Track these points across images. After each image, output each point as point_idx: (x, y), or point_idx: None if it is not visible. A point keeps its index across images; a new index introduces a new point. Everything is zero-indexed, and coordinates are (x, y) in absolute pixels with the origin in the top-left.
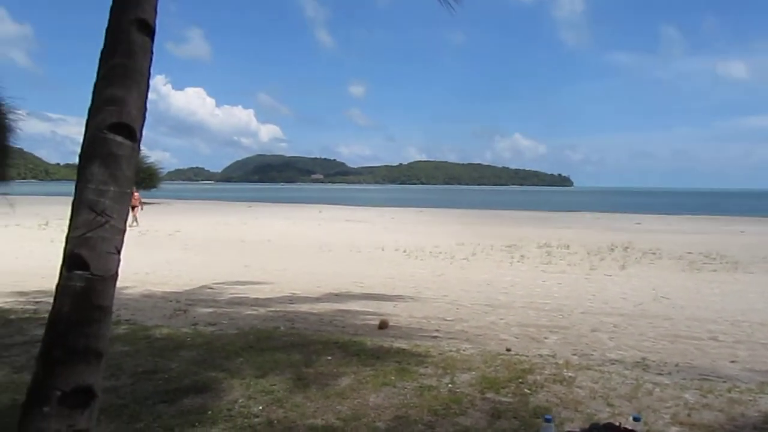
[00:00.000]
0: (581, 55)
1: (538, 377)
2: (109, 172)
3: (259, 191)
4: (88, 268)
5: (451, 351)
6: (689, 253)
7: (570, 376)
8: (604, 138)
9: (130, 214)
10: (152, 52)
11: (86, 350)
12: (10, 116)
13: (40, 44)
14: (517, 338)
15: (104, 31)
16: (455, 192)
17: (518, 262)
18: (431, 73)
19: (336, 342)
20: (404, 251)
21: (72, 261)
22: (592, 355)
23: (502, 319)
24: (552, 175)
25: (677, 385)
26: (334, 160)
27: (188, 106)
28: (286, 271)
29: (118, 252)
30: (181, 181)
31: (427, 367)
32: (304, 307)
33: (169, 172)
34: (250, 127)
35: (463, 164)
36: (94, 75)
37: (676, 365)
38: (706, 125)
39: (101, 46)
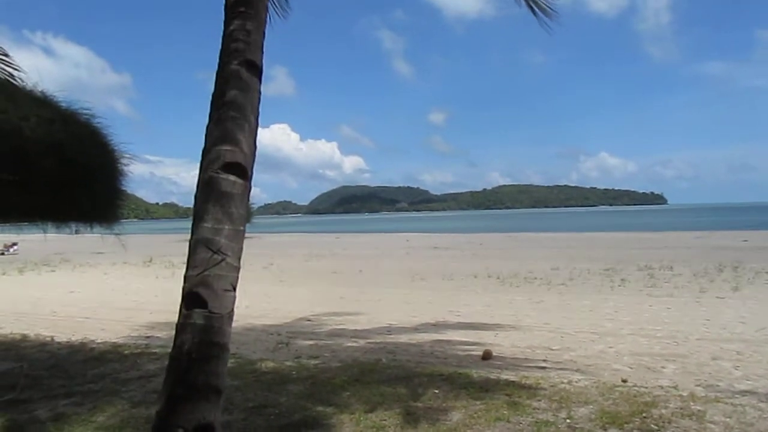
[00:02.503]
0: (669, 67)
1: (664, 411)
2: (224, 211)
3: (345, 222)
4: (206, 306)
5: (562, 383)
6: None
7: (699, 410)
8: (698, 152)
9: None
10: (260, 92)
11: (206, 387)
12: (122, 161)
13: (138, 92)
14: (631, 368)
15: (214, 74)
16: (542, 215)
17: (619, 286)
18: (511, 95)
19: (441, 374)
20: (498, 278)
21: (191, 299)
22: (718, 385)
23: (611, 347)
24: (644, 193)
25: None
26: (418, 188)
27: (274, 143)
28: (381, 302)
29: (234, 289)
30: (270, 215)
31: (540, 400)
32: (403, 338)
33: (259, 207)
34: (334, 159)
35: (548, 186)
36: (188, 120)
37: None
38: None
39: (190, 93)
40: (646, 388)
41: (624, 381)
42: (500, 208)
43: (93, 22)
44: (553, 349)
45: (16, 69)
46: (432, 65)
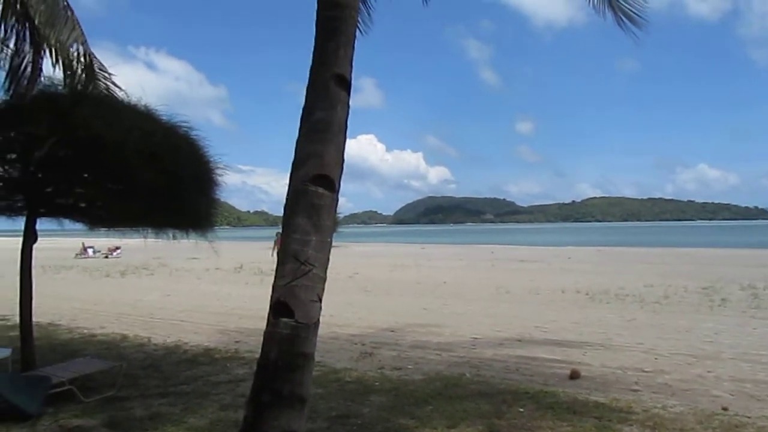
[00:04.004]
0: None
1: None
2: (312, 223)
3: (430, 233)
4: (293, 315)
5: (656, 407)
6: None
7: None
8: None
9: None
10: (349, 105)
11: (291, 396)
12: (217, 172)
13: (233, 104)
14: (732, 395)
15: (304, 89)
16: (635, 229)
17: (719, 306)
18: (602, 104)
19: (526, 392)
20: (586, 293)
21: (278, 308)
22: None
23: (710, 371)
24: (746, 207)
25: None
26: (504, 199)
27: (360, 153)
28: (465, 315)
29: (320, 300)
30: (356, 225)
31: (631, 425)
32: (488, 353)
33: (345, 216)
34: (419, 170)
35: (641, 199)
36: (279, 131)
37: None
38: None
39: (281, 105)
40: (749, 417)
41: (725, 409)
42: (589, 221)
43: (192, 37)
44: (645, 371)
45: (118, 87)
46: (519, 74)
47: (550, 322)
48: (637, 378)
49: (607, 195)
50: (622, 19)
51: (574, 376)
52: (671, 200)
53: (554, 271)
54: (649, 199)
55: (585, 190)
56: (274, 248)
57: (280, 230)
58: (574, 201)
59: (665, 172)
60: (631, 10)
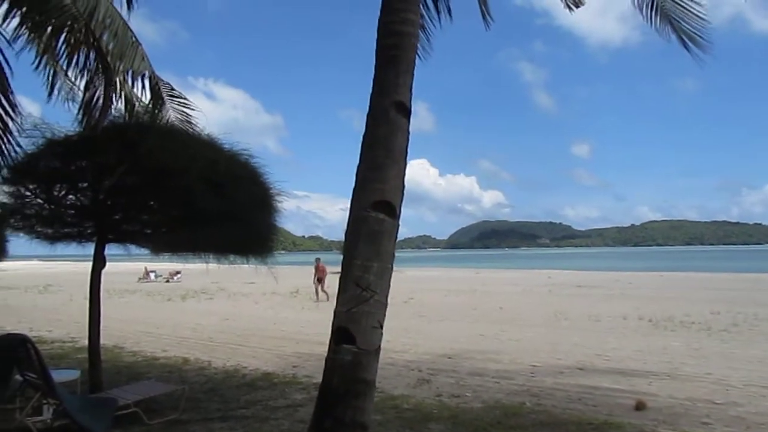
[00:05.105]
0: None
1: None
2: (373, 249)
3: (485, 258)
4: (354, 342)
5: None
6: None
7: None
8: None
9: (318, 286)
10: (409, 132)
11: (353, 423)
12: (277, 199)
13: (288, 131)
14: None
15: (365, 116)
16: (698, 254)
17: None
18: (661, 125)
19: (590, 423)
20: (650, 320)
21: (340, 335)
22: None
23: None
24: None
25: None
26: (560, 223)
27: (414, 178)
28: (523, 341)
29: (381, 326)
30: (410, 249)
31: None
32: (548, 381)
33: (399, 241)
34: (473, 194)
35: (705, 222)
36: (333, 157)
37: None
38: None
39: (334, 131)
40: None
41: None
42: (650, 245)
43: (248, 67)
44: (716, 403)
45: (192, 108)
46: (574, 96)
47: (612, 350)
48: (708, 410)
49: (668, 218)
50: (684, 41)
51: (640, 407)
52: (737, 223)
53: (615, 297)
54: (713, 222)
55: (645, 213)
56: (315, 274)
57: (319, 256)
58: (633, 224)
59: (730, 194)
60: (693, 32)
